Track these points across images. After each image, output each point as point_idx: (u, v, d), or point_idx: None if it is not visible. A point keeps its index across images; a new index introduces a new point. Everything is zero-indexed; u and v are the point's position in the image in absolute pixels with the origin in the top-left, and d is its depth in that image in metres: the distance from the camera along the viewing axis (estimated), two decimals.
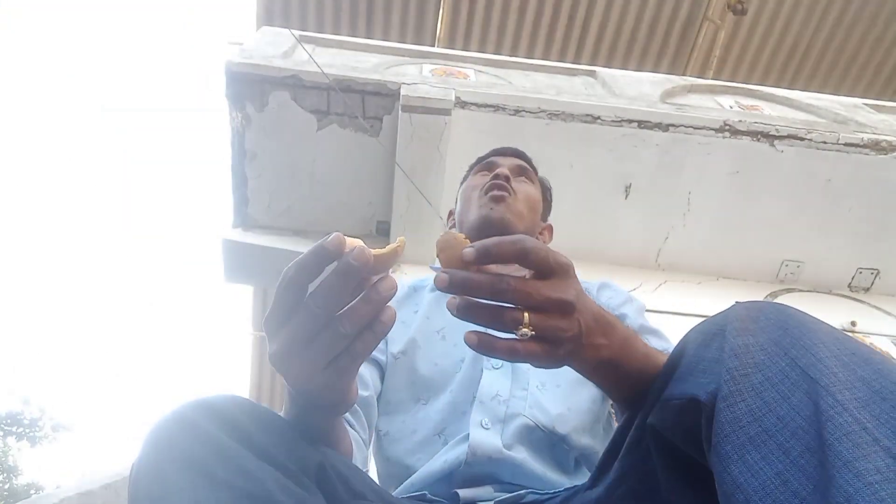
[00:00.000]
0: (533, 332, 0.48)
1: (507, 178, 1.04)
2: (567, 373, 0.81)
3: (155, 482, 0.48)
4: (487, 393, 0.82)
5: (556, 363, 0.52)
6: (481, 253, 0.48)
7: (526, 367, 0.84)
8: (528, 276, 0.50)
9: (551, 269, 0.49)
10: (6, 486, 5.50)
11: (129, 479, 0.52)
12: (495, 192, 1.02)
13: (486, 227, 1.00)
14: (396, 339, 0.93)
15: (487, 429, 0.79)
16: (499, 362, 0.84)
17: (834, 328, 0.49)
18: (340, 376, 0.49)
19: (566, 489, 0.73)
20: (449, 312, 0.50)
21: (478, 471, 0.77)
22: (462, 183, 1.18)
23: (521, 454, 0.78)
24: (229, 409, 0.52)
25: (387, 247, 0.48)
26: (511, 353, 0.49)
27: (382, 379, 0.92)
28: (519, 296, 0.48)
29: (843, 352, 0.45)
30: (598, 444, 0.81)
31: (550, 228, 1.21)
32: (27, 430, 5.27)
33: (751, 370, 0.46)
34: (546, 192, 1.21)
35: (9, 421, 5.20)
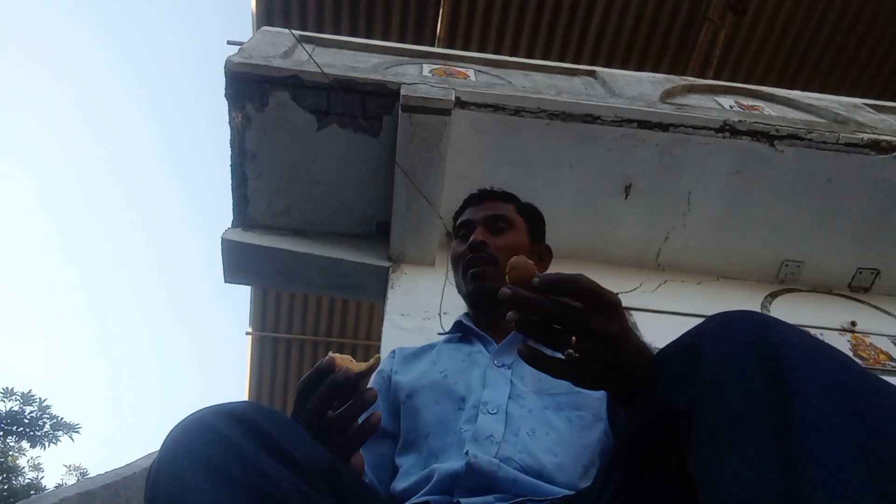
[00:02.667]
0: (577, 356, 0.57)
1: (481, 245, 1.09)
2: (558, 421, 0.88)
3: (173, 481, 0.52)
4: (482, 432, 0.86)
5: (593, 385, 0.59)
6: (545, 284, 0.57)
7: (519, 415, 0.88)
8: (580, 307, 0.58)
9: (600, 305, 0.57)
10: (6, 486, 5.49)
11: (148, 479, 0.55)
12: (473, 271, 1.09)
13: (479, 300, 1.09)
14: (405, 386, 1.02)
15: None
16: (495, 407, 0.90)
17: (806, 332, 0.52)
18: (345, 454, 0.69)
19: (566, 495, 0.75)
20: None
21: (477, 478, 0.79)
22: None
23: (516, 474, 0.80)
24: (247, 413, 0.57)
25: (364, 363, 0.69)
26: (554, 369, 0.58)
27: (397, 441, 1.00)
28: (568, 322, 0.56)
29: (809, 349, 0.48)
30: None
31: (548, 251, 1.21)
32: (27, 430, 5.26)
33: (724, 378, 0.48)
34: (532, 217, 1.21)
35: (9, 420, 5.19)
